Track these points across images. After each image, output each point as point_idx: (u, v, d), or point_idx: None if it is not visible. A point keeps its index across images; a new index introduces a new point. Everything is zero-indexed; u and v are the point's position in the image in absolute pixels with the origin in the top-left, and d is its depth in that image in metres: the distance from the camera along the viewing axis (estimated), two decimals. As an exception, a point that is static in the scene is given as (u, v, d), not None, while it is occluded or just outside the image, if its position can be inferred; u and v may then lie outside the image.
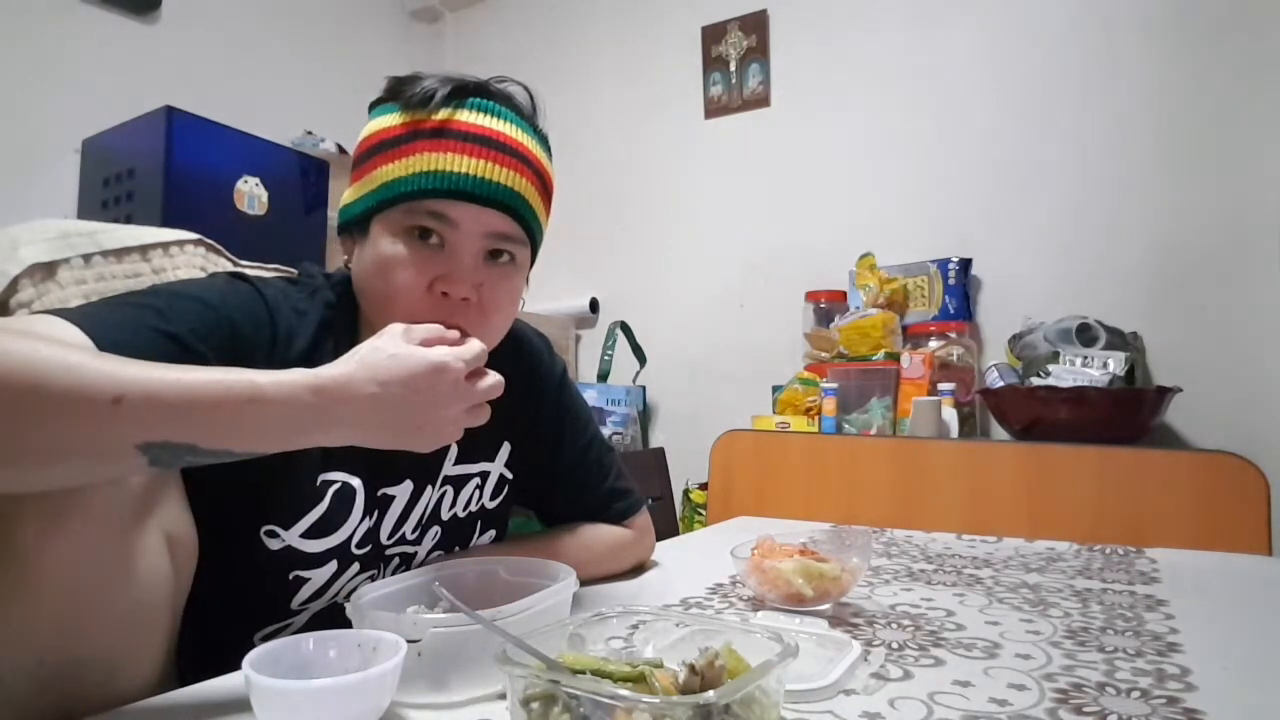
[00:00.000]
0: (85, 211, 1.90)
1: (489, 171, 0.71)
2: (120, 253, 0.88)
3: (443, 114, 0.71)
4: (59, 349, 0.50)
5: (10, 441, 0.48)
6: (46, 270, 0.82)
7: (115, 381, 0.50)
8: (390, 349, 0.61)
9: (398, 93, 0.73)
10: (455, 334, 0.67)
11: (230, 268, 0.98)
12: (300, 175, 1.99)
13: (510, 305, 0.77)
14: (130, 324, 0.60)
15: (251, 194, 1.84)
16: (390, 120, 0.73)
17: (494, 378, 0.66)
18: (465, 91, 0.73)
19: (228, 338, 0.65)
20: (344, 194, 0.78)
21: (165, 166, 1.69)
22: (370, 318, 0.75)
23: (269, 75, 2.50)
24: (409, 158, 0.70)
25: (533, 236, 0.77)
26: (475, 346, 0.65)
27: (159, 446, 0.51)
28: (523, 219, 0.74)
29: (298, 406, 0.56)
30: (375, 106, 0.76)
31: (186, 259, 0.94)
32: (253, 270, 0.93)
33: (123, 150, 1.82)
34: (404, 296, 0.70)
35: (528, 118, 0.77)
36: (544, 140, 0.79)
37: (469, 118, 0.72)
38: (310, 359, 0.71)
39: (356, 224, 0.75)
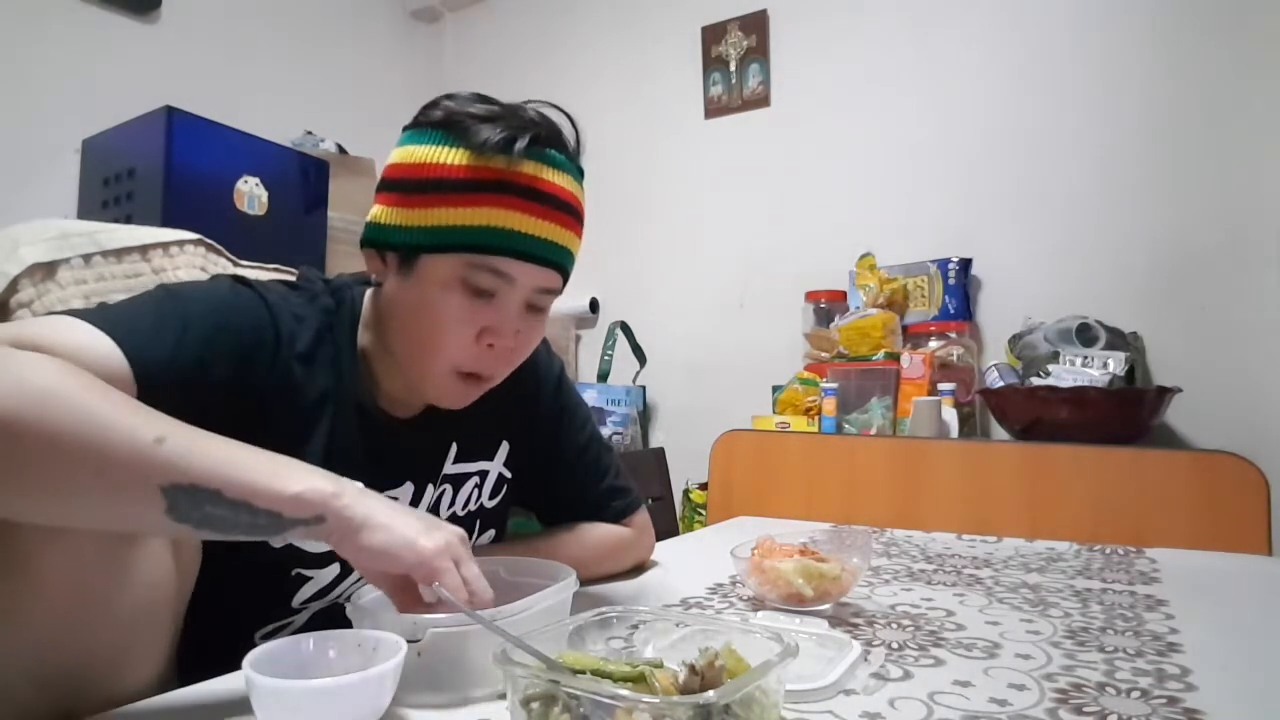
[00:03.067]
0: (85, 211, 1.90)
1: (553, 234, 0.72)
2: (120, 253, 0.88)
3: (515, 166, 0.69)
4: (106, 390, 0.52)
5: (40, 472, 0.49)
6: (47, 270, 0.82)
7: (159, 425, 0.52)
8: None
9: (457, 127, 0.70)
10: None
11: (230, 268, 0.98)
12: (300, 175, 1.98)
13: (536, 342, 0.80)
14: (153, 331, 0.62)
15: (251, 194, 1.83)
16: (450, 157, 0.70)
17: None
18: (536, 142, 0.71)
19: (235, 344, 0.67)
20: (376, 210, 0.75)
21: (165, 166, 1.69)
22: (395, 346, 0.76)
23: (269, 75, 2.49)
24: (476, 209, 0.69)
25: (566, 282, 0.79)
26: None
27: (185, 491, 0.51)
28: (567, 274, 0.76)
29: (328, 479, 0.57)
30: (419, 130, 0.73)
31: (186, 259, 0.94)
32: (252, 272, 0.93)
33: (123, 150, 1.82)
34: (451, 345, 0.72)
35: (575, 159, 0.77)
36: (582, 177, 0.78)
37: (538, 172, 0.71)
38: (308, 362, 0.73)
39: (398, 251, 0.73)
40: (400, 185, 0.72)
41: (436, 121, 0.72)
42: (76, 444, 0.49)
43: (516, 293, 0.72)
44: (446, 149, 0.70)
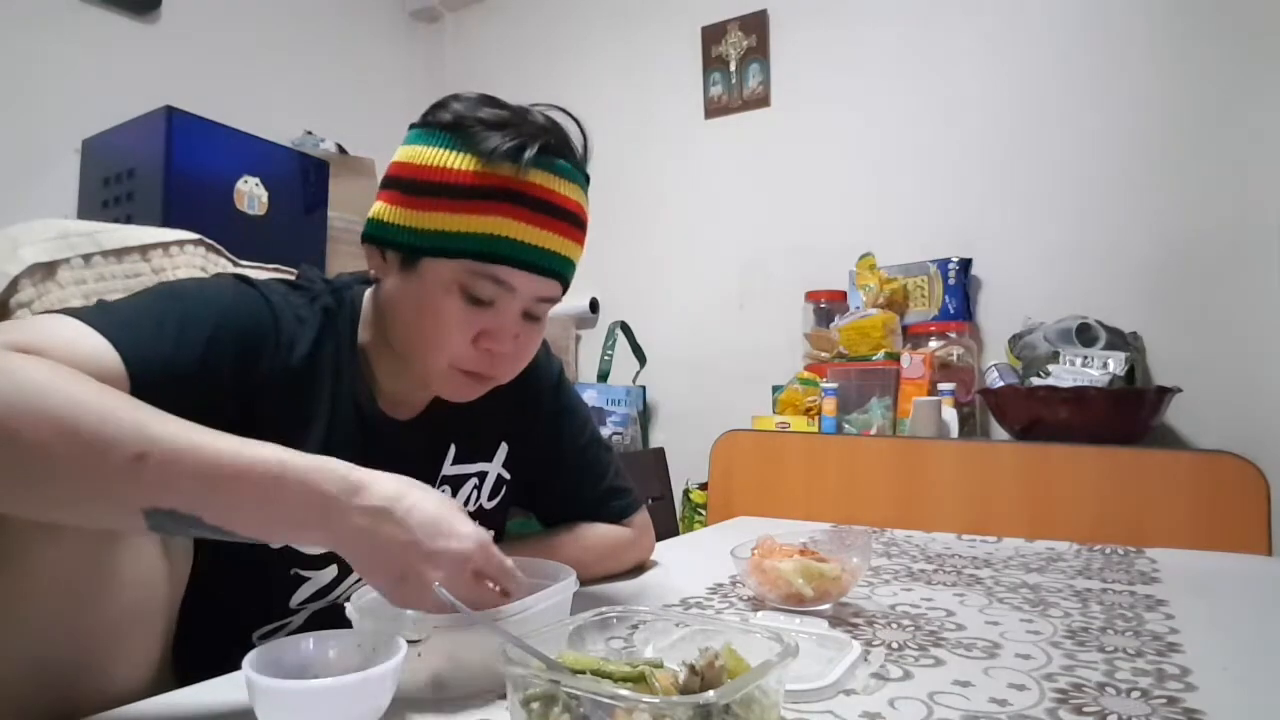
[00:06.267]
0: (85, 211, 1.90)
1: (556, 245, 0.72)
2: (120, 253, 0.88)
3: (522, 176, 0.69)
4: (95, 392, 0.50)
5: (27, 477, 0.48)
6: (46, 270, 0.82)
7: (142, 438, 0.50)
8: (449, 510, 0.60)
9: (465, 132, 0.70)
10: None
11: (230, 268, 0.98)
12: (300, 175, 1.98)
13: (537, 347, 0.80)
14: (152, 330, 0.61)
15: (251, 194, 1.83)
16: (457, 162, 0.69)
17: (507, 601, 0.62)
18: (545, 151, 0.70)
19: (239, 344, 0.67)
20: (379, 207, 0.74)
21: (165, 166, 1.69)
22: (397, 342, 0.76)
23: (269, 75, 2.49)
24: (480, 216, 0.68)
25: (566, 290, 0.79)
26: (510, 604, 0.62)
27: (164, 514, 0.51)
28: (567, 283, 0.76)
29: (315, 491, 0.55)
30: (427, 130, 0.72)
31: (186, 259, 0.94)
32: (252, 272, 0.93)
33: (123, 150, 1.82)
34: (449, 347, 0.72)
35: (581, 167, 0.76)
36: (588, 184, 0.78)
37: (545, 182, 0.70)
38: (310, 363, 0.73)
39: (400, 250, 0.72)
40: (405, 185, 0.72)
41: (445, 124, 0.71)
42: (61, 457, 0.48)
43: (516, 301, 0.73)
44: (453, 153, 0.69)
